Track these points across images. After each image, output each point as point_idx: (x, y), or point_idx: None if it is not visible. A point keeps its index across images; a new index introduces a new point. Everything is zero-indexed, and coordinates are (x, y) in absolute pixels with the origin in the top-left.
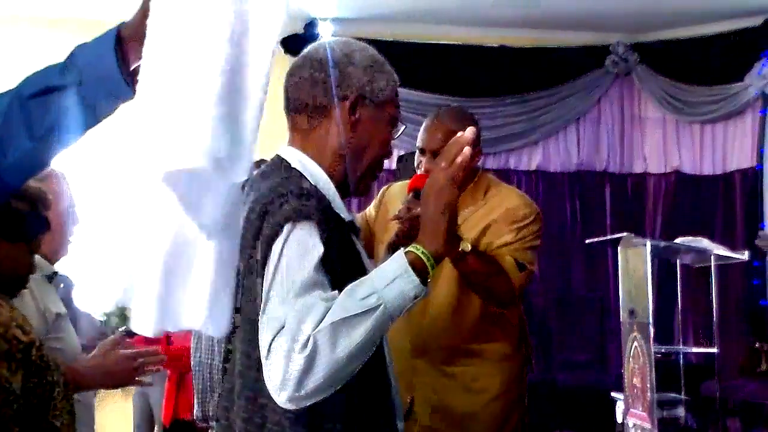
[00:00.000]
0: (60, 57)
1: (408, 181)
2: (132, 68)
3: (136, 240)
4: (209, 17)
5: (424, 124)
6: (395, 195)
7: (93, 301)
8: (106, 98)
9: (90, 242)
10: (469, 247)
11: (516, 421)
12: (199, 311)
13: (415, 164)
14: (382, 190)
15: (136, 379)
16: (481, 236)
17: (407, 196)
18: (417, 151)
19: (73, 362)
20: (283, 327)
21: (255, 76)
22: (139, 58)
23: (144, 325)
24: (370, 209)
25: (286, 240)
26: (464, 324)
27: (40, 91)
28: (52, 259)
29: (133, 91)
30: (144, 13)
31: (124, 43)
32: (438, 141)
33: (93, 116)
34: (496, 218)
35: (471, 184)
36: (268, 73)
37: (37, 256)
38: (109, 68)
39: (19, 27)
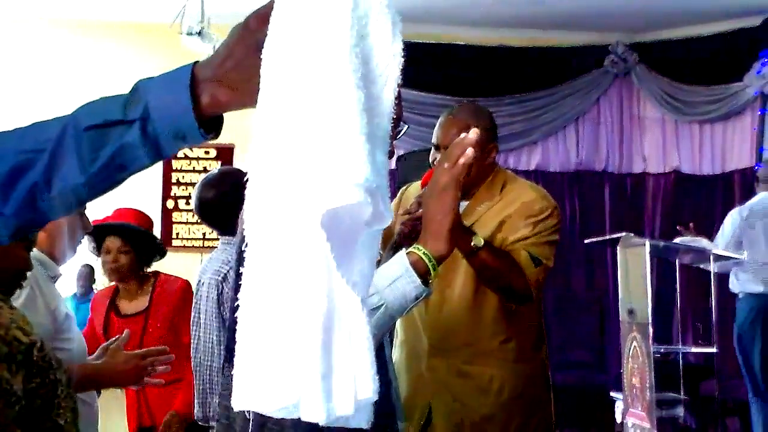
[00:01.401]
0: (65, 57)
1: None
2: (203, 110)
3: (290, 318)
4: (324, 33)
5: (439, 120)
6: (414, 194)
7: (262, 398)
8: (171, 139)
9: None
10: (481, 242)
11: (536, 423)
12: (366, 380)
13: (431, 160)
14: (401, 191)
15: (145, 379)
16: (496, 231)
17: (420, 191)
18: (432, 147)
19: (80, 362)
20: None
21: (384, 96)
22: (212, 100)
23: (313, 411)
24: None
25: None
26: (481, 322)
27: (99, 124)
28: (59, 261)
29: (202, 135)
30: (227, 54)
31: (198, 83)
32: (452, 136)
33: (152, 156)
34: (511, 213)
35: (487, 179)
36: (394, 97)
37: (44, 257)
38: (180, 108)
39: (28, 28)
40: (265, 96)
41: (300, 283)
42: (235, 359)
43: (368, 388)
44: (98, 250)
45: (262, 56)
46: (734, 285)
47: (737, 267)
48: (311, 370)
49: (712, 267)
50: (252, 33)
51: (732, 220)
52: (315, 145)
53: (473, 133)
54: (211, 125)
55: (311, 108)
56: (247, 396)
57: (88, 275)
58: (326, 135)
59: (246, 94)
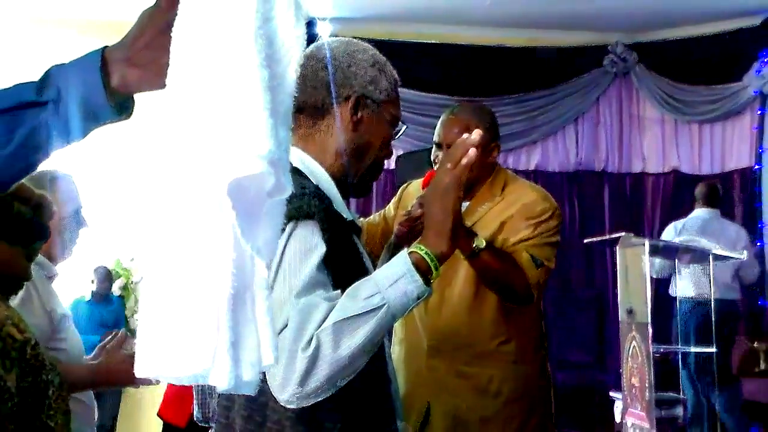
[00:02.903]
0: (69, 57)
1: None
2: (113, 90)
3: (199, 289)
4: (231, 15)
5: (441, 118)
6: (414, 193)
7: (176, 366)
8: (85, 120)
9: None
10: (483, 244)
11: (535, 425)
12: (267, 348)
13: (432, 158)
14: (401, 189)
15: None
16: (497, 232)
17: (422, 192)
18: (433, 146)
19: (77, 362)
20: (285, 326)
21: (288, 75)
22: (122, 80)
23: (221, 378)
24: (390, 207)
25: (288, 239)
26: (481, 323)
27: (13, 106)
28: (55, 261)
29: (114, 115)
30: (138, 34)
31: (108, 65)
32: (455, 135)
33: (66, 137)
34: (512, 214)
35: (489, 179)
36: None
37: (40, 257)
38: (91, 89)
39: (30, 28)
40: (174, 74)
41: (208, 250)
42: (138, 328)
43: (270, 356)
44: None
45: (171, 36)
46: (672, 290)
47: (679, 274)
48: (222, 338)
49: (711, 268)
50: (163, 13)
51: (667, 233)
52: (222, 120)
53: (476, 134)
54: (125, 106)
55: (219, 86)
56: (154, 363)
57: (106, 275)
58: (233, 110)
59: (156, 73)
